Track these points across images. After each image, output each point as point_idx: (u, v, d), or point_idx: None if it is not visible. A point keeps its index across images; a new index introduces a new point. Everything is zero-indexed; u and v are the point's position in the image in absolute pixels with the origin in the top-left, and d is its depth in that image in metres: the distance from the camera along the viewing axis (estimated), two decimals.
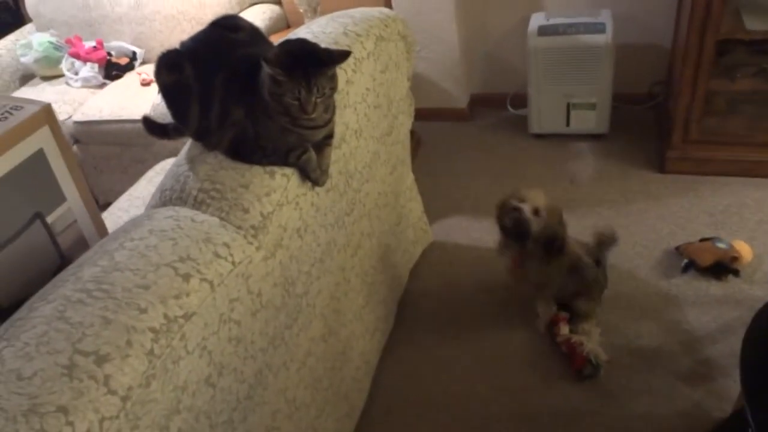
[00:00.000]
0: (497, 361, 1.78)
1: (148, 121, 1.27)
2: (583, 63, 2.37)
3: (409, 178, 1.98)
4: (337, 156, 1.31)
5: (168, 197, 1.06)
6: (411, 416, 1.67)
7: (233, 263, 0.95)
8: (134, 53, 2.90)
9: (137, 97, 2.57)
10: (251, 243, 1.00)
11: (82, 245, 1.15)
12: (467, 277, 2.07)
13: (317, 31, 1.41)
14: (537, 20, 2.44)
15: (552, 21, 2.40)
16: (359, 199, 1.49)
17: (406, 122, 1.81)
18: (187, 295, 0.85)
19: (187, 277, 0.87)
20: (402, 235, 1.92)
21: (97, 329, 0.76)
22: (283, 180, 1.09)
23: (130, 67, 2.86)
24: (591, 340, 1.67)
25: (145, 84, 2.65)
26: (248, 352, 1.01)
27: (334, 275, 1.38)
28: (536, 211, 1.52)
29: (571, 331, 1.74)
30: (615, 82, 2.44)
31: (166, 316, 0.81)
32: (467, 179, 2.52)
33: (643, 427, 1.55)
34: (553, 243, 1.51)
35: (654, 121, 2.65)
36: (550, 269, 1.61)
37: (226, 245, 0.95)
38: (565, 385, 1.68)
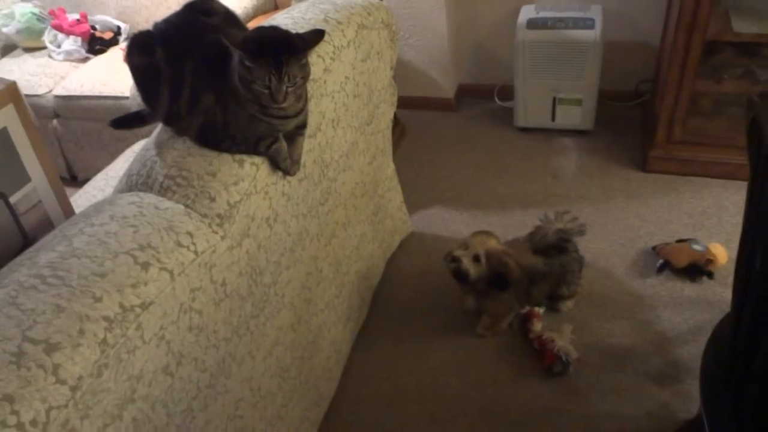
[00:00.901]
0: (470, 355, 1.78)
1: (117, 122, 1.25)
2: (570, 58, 2.35)
3: (390, 167, 1.97)
4: (312, 145, 1.29)
5: (134, 182, 1.04)
6: (380, 407, 1.67)
7: (196, 252, 0.93)
8: (119, 28, 2.85)
9: (120, 73, 2.53)
10: (216, 232, 0.99)
11: (46, 225, 1.13)
12: (444, 269, 2.06)
13: (297, 16, 1.39)
14: (526, 13, 2.42)
15: (541, 14, 2.38)
16: (335, 188, 1.48)
17: (387, 111, 1.79)
18: (145, 284, 0.84)
19: (146, 266, 0.85)
20: (379, 225, 1.91)
21: (48, 317, 0.74)
22: (252, 169, 1.07)
23: (114, 41, 2.82)
24: (562, 338, 1.68)
25: None
26: (210, 341, 1.01)
27: (305, 265, 1.37)
28: (476, 258, 1.64)
29: (543, 328, 1.75)
30: (602, 78, 2.43)
31: (121, 305, 0.80)
32: (450, 170, 2.51)
33: (610, 426, 1.57)
34: (497, 282, 1.65)
35: (639, 119, 2.64)
36: (505, 299, 1.72)
37: (189, 234, 0.94)
38: (535, 382, 1.69)
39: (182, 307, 0.91)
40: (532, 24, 2.35)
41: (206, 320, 0.98)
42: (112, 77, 2.52)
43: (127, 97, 2.45)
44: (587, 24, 2.30)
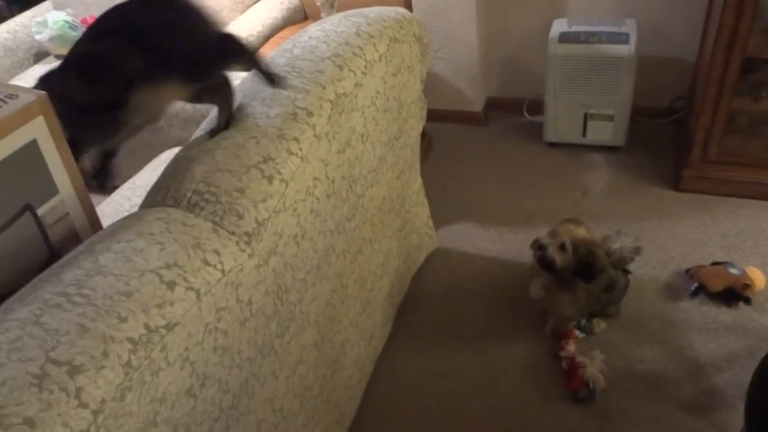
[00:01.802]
0: (496, 376, 1.74)
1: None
2: (603, 73, 2.31)
3: (417, 182, 1.94)
4: (341, 161, 1.27)
5: (162, 197, 1.02)
6: (402, 428, 1.64)
7: (222, 271, 0.91)
8: None
9: None
10: (243, 250, 0.97)
11: (73, 239, 1.12)
12: (471, 287, 2.03)
13: (329, 29, 1.37)
14: (559, 26, 2.38)
15: (574, 28, 2.34)
16: (362, 204, 1.45)
17: (416, 126, 1.77)
18: (171, 304, 0.82)
19: (172, 285, 0.83)
20: (405, 240, 1.88)
21: (72, 337, 0.73)
22: (281, 186, 1.05)
23: None
24: (593, 365, 1.63)
25: None
26: (234, 361, 0.98)
27: (330, 282, 1.35)
28: (563, 246, 1.59)
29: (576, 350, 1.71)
30: (635, 94, 2.38)
31: (147, 326, 0.78)
32: (477, 185, 2.48)
33: None
34: (584, 272, 1.59)
35: (672, 136, 2.58)
36: (579, 299, 1.67)
37: (217, 252, 0.92)
38: (563, 406, 1.64)
39: (207, 328, 0.89)
40: (565, 38, 2.31)
41: (231, 340, 0.96)
42: None
43: None
44: (621, 39, 2.25)
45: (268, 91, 1.19)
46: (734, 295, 1.83)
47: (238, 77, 2.00)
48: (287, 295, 1.13)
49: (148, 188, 1.79)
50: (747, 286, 1.81)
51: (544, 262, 1.61)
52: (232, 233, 0.97)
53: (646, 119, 2.64)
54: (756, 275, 1.84)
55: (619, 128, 2.44)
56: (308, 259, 1.20)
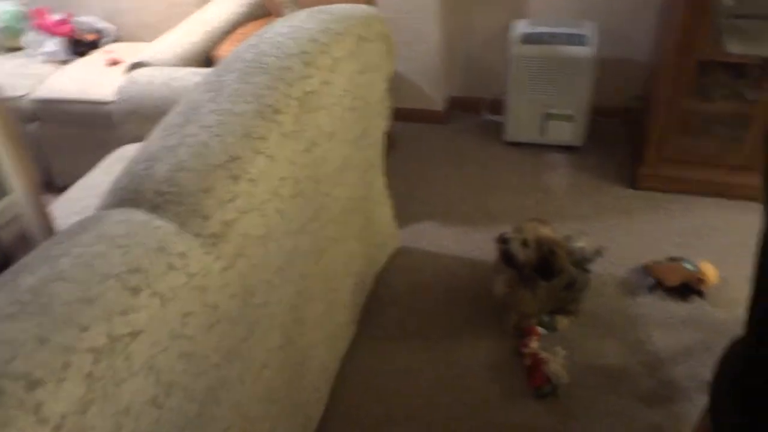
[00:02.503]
0: (461, 375, 1.74)
1: None
2: (563, 74, 2.34)
3: (380, 181, 1.93)
4: (306, 160, 1.25)
5: (122, 197, 0.98)
6: (369, 429, 1.63)
7: (188, 275, 0.88)
8: (103, 30, 2.77)
9: (102, 77, 2.45)
10: (209, 253, 0.94)
11: (25, 242, 1.07)
12: (434, 286, 2.03)
13: (296, 25, 1.35)
14: (521, 27, 2.41)
15: (536, 29, 2.37)
16: (327, 204, 1.43)
17: (381, 125, 1.76)
18: (135, 311, 0.79)
19: (135, 291, 0.80)
20: (369, 240, 1.87)
21: (30, 349, 0.69)
22: (248, 186, 1.02)
23: (98, 44, 2.74)
24: (555, 361, 1.65)
25: (111, 64, 2.53)
26: (200, 368, 0.95)
27: (295, 283, 1.32)
28: (525, 243, 1.63)
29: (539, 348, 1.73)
30: (593, 94, 2.42)
31: (109, 334, 0.75)
32: (439, 184, 2.48)
33: None
34: (543, 270, 1.63)
35: (629, 135, 2.64)
36: (539, 296, 1.70)
37: (182, 255, 0.89)
38: (528, 402, 1.65)
39: (173, 334, 0.85)
40: (527, 39, 2.33)
41: (197, 346, 0.92)
42: (94, 80, 2.44)
43: (109, 102, 2.37)
44: (581, 40, 2.29)
45: (233, 87, 1.15)
46: (689, 289, 1.88)
47: (197, 73, 1.95)
48: (253, 297, 1.10)
49: (99, 189, 1.73)
50: (701, 281, 1.87)
51: (506, 255, 1.65)
52: (198, 235, 0.94)
53: (604, 119, 2.69)
54: (709, 270, 1.90)
55: (578, 128, 2.48)
56: (274, 261, 1.17)
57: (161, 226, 0.92)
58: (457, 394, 1.69)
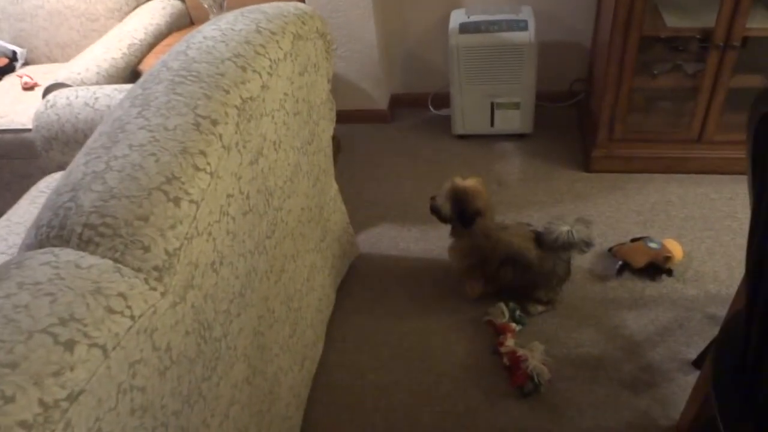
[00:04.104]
0: (437, 382, 1.66)
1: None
2: (506, 61, 2.30)
3: (333, 188, 1.83)
4: (254, 173, 1.13)
5: (45, 235, 0.85)
6: None
7: (132, 318, 0.76)
8: (14, 53, 2.57)
9: (18, 103, 2.26)
10: (155, 288, 0.81)
11: None
12: (399, 291, 1.95)
13: (226, 28, 1.23)
14: (457, 17, 2.35)
15: (473, 18, 2.32)
16: (281, 217, 1.32)
17: (327, 128, 1.65)
18: (72, 368, 0.66)
19: (70, 345, 0.68)
20: (327, 251, 1.76)
21: None
22: (191, 208, 0.90)
23: (10, 68, 2.53)
24: (534, 357, 1.59)
25: (27, 88, 2.34)
26: (158, 420, 0.83)
27: (256, 308, 1.21)
28: (449, 196, 1.74)
29: (516, 344, 1.66)
30: (537, 80, 2.39)
31: (42, 402, 0.62)
32: (391, 184, 2.40)
33: None
34: (461, 216, 1.71)
35: (575, 119, 2.63)
36: (464, 248, 1.78)
37: (122, 296, 0.76)
38: (510, 403, 1.59)
39: (121, 388, 0.73)
40: (465, 29, 2.27)
41: (151, 396, 0.80)
42: (9, 108, 2.24)
43: (28, 130, 2.18)
44: (520, 26, 2.25)
45: (161, 99, 1.03)
46: (657, 269, 1.86)
47: (122, 90, 1.80)
48: (210, 331, 0.99)
49: (27, 224, 1.57)
50: (668, 259, 1.85)
51: (434, 211, 1.77)
52: (139, 270, 0.82)
53: (549, 104, 2.67)
54: (674, 246, 1.88)
55: (526, 115, 2.44)
56: (230, 288, 1.05)
57: (94, 264, 0.79)
58: (435, 402, 1.61)
